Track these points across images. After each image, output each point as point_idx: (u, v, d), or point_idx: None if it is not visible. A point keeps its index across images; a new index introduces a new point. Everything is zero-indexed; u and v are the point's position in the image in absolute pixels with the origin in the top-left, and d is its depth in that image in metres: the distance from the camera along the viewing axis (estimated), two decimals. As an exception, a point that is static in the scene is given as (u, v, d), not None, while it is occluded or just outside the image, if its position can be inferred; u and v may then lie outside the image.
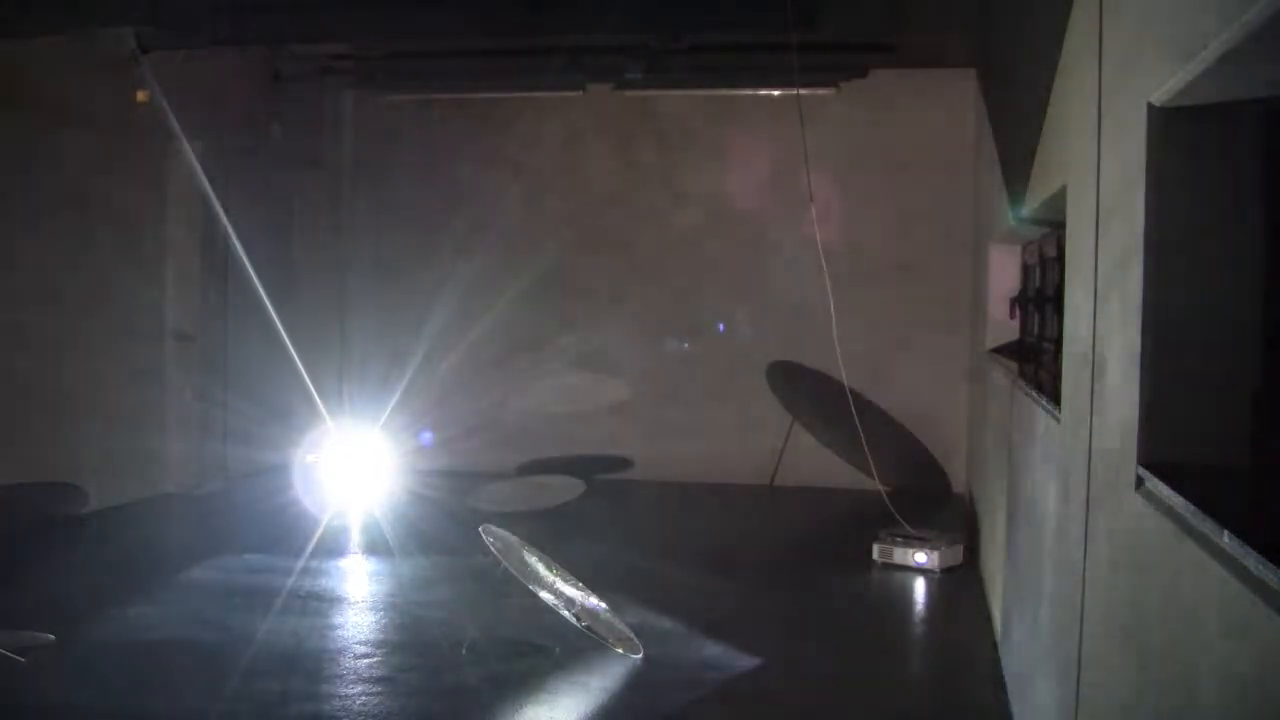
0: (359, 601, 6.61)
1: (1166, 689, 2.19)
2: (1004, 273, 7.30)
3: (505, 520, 6.63)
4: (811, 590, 6.99)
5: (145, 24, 8.02)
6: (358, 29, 8.79)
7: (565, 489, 9.22)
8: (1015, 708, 4.70)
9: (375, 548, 7.71)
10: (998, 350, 7.23)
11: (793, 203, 9.41)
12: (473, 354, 10.62)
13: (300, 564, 7.13)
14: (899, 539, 7.38)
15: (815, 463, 10.22)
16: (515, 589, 5.82)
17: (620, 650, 5.48)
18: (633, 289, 10.66)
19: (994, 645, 5.66)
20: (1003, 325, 7.22)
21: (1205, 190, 2.45)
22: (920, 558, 7.21)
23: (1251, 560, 1.74)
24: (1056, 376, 4.08)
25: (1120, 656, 2.62)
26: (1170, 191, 2.46)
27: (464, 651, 5.47)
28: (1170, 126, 2.45)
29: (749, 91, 10.28)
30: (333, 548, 7.64)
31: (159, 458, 9.29)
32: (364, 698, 4.90)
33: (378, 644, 5.71)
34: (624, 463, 10.58)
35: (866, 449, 7.96)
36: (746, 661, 5.50)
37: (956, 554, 7.34)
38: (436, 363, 10.41)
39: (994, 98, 7.65)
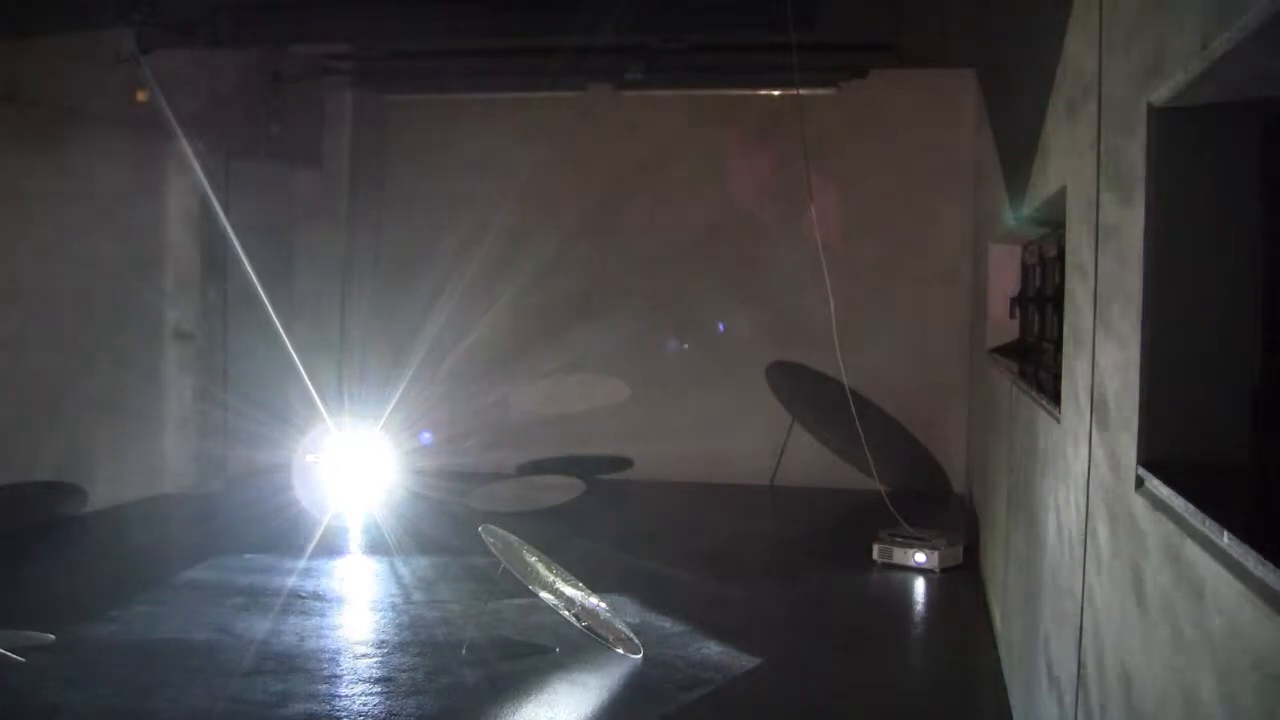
0: (359, 601, 6.61)
1: (1167, 689, 2.19)
2: (1004, 273, 7.29)
3: (505, 520, 6.63)
4: (811, 590, 6.99)
5: (145, 24, 8.02)
6: (358, 29, 8.79)
7: (565, 489, 9.23)
8: (1015, 708, 4.70)
9: (375, 548, 7.71)
10: (998, 350, 7.23)
11: (793, 202, 9.42)
12: (473, 354, 10.62)
13: (300, 564, 7.13)
14: (899, 539, 7.38)
15: (815, 463, 10.22)
16: (515, 589, 5.82)
17: (620, 650, 5.48)
18: (633, 288, 10.65)
19: (994, 645, 5.66)
20: (1003, 325, 7.22)
21: (1205, 190, 2.45)
22: (920, 558, 7.21)
23: (1251, 560, 1.74)
24: (1056, 376, 4.08)
25: (1120, 657, 2.62)
26: (1170, 191, 2.46)
27: (464, 651, 5.47)
28: (1170, 126, 2.45)
29: (749, 91, 10.28)
30: (333, 548, 7.64)
31: (159, 458, 9.30)
32: (364, 698, 4.91)
33: (378, 644, 5.71)
34: (624, 463, 10.58)
35: (866, 449, 7.96)
36: (746, 661, 5.50)
37: (956, 554, 7.34)
38: (437, 363, 10.41)
39: (994, 98, 7.65)
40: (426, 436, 10.46)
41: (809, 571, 7.42)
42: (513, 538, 5.81)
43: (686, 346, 10.66)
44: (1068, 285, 3.79)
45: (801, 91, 8.33)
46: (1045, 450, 4.17)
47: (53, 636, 5.45)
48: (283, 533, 7.84)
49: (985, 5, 7.61)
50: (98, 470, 8.50)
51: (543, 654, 5.52)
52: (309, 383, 9.10)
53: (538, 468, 10.32)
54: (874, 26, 8.30)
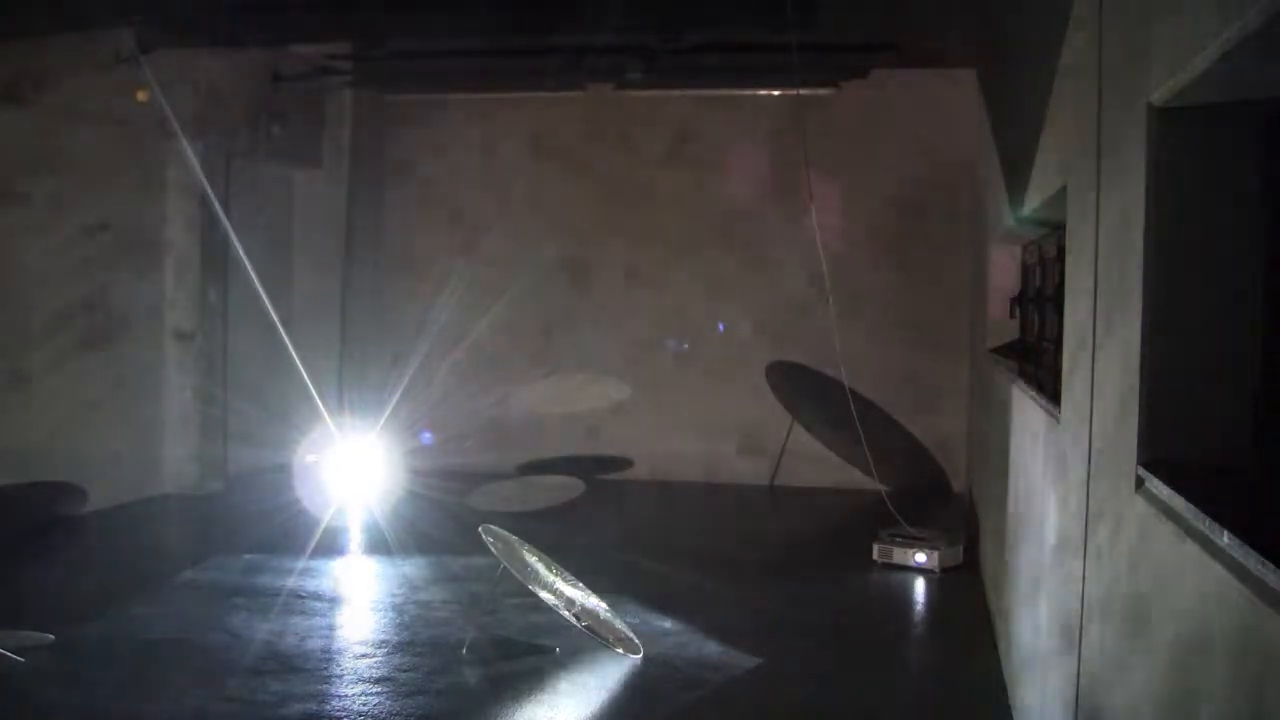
0: (359, 601, 6.61)
1: (1167, 689, 2.19)
2: (1004, 273, 7.30)
3: (505, 520, 6.62)
4: (811, 590, 6.98)
5: (145, 24, 8.02)
6: (358, 29, 8.79)
7: (565, 489, 9.22)
8: (1016, 708, 4.70)
9: (375, 548, 7.71)
10: (998, 350, 7.23)
11: (793, 202, 9.43)
12: (473, 354, 10.62)
13: (300, 564, 7.13)
14: (899, 539, 7.38)
15: (815, 463, 10.22)
16: (515, 589, 5.82)
17: (620, 650, 5.48)
18: (633, 288, 10.66)
19: (994, 645, 5.66)
20: (1003, 325, 7.22)
21: (1205, 190, 2.45)
22: (920, 558, 7.21)
23: (1251, 560, 1.74)
24: (1056, 376, 4.08)
25: (1121, 657, 2.62)
26: (1170, 191, 2.46)
27: (464, 651, 5.47)
28: (1170, 126, 2.45)
29: (749, 91, 10.28)
30: (333, 548, 7.64)
31: (159, 458, 9.30)
32: (364, 698, 4.90)
33: (378, 644, 5.71)
34: (624, 463, 10.58)
35: (866, 449, 7.95)
36: (746, 661, 5.50)
37: (956, 554, 7.34)
38: (437, 363, 10.42)
39: (994, 98, 7.65)
40: (426, 436, 10.46)
41: (809, 571, 7.42)
42: (513, 538, 5.80)
43: (687, 346, 10.66)
44: (1068, 285, 3.79)
45: (801, 91, 8.34)
46: (1045, 450, 4.17)
47: (53, 636, 5.45)
48: (283, 533, 7.83)
49: (985, 5, 7.61)
50: (98, 470, 8.50)
51: (543, 654, 5.52)
52: (309, 383, 9.10)
53: (538, 468, 10.31)
54: (874, 26, 8.30)
